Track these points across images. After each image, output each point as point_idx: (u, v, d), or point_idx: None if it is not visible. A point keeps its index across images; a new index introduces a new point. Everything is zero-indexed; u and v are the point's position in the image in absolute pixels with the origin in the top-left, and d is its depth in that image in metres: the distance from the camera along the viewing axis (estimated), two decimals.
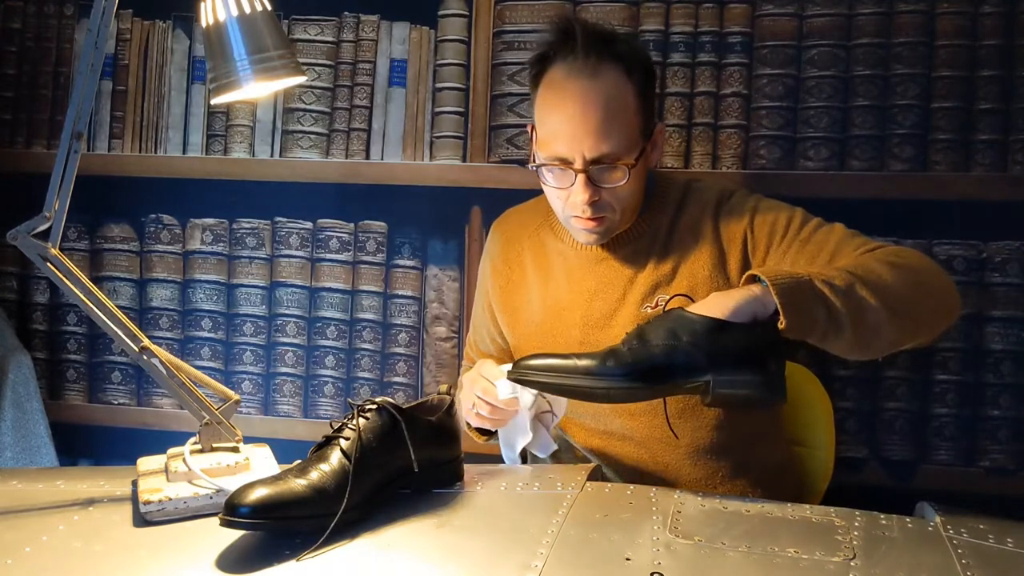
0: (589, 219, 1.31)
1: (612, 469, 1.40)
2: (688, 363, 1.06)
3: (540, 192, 1.43)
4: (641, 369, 1.06)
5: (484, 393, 1.28)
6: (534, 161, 1.33)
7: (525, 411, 1.27)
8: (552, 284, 1.43)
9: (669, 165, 1.83)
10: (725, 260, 1.34)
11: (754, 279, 1.12)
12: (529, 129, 1.37)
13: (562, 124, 1.27)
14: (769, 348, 1.08)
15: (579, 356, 1.09)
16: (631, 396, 1.09)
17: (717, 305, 1.09)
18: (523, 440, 1.30)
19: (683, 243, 1.36)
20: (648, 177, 1.40)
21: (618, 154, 1.27)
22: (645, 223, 1.38)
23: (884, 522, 1.03)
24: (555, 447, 1.35)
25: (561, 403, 1.31)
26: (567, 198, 1.31)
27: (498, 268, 1.50)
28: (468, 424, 1.39)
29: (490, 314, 1.53)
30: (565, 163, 1.28)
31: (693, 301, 1.12)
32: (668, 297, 1.34)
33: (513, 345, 1.50)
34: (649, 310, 1.35)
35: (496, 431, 1.38)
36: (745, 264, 1.34)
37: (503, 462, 1.37)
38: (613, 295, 1.38)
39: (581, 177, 1.27)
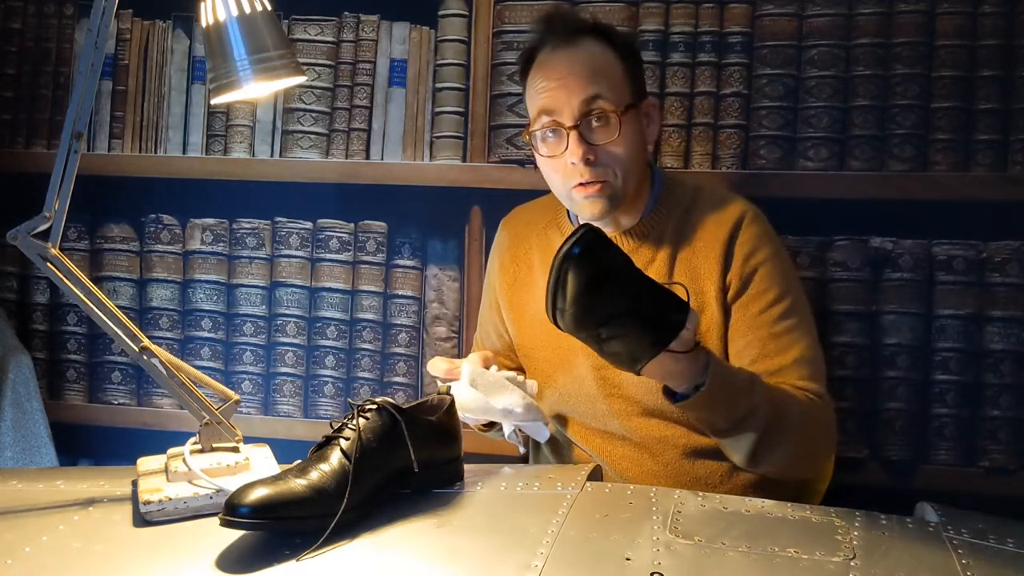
0: (589, 183, 1.31)
1: (613, 468, 1.40)
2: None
3: (542, 192, 1.43)
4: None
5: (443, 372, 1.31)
6: (528, 137, 1.36)
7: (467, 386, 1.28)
8: None
9: (669, 165, 1.83)
10: (727, 284, 1.35)
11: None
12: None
13: (549, 84, 1.32)
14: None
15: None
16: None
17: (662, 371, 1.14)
18: (508, 405, 1.29)
19: (692, 254, 1.36)
20: (656, 177, 1.41)
21: (606, 100, 1.30)
22: (650, 223, 1.39)
23: (884, 522, 1.03)
24: (547, 433, 1.35)
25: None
26: (564, 168, 1.32)
27: (506, 265, 1.51)
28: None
29: (496, 311, 1.53)
30: (556, 124, 1.30)
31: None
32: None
33: (518, 343, 1.50)
34: None
35: (496, 425, 1.38)
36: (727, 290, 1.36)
37: (502, 462, 1.36)
38: None
39: (573, 134, 1.29)
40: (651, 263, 1.37)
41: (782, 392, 1.26)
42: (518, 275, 1.49)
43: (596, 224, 1.33)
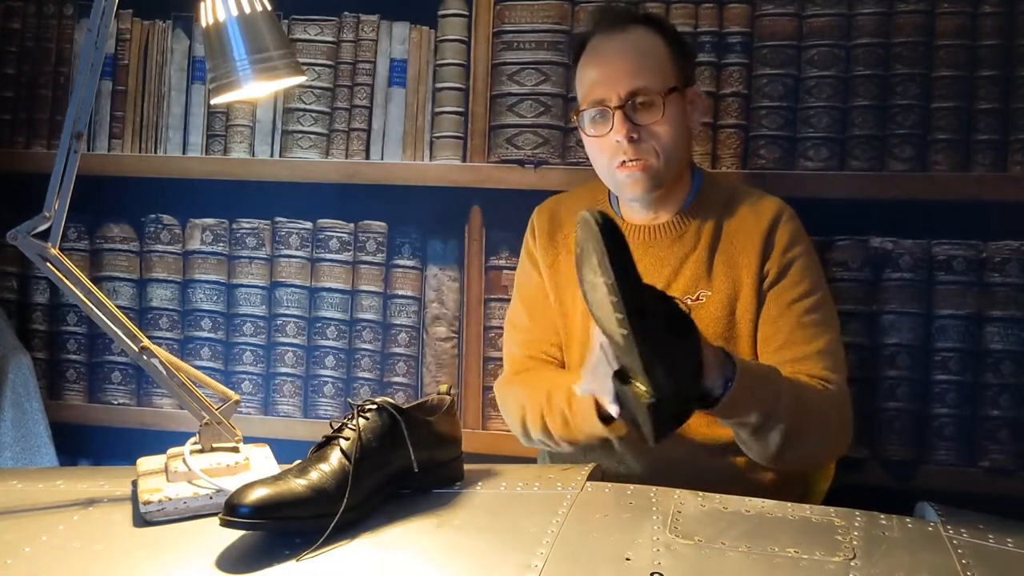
0: (632, 162, 1.35)
1: (627, 464, 1.40)
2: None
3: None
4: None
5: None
6: (576, 118, 1.41)
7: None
8: None
9: None
10: (765, 272, 1.39)
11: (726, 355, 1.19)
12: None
13: (598, 70, 1.38)
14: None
15: None
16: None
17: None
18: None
19: (731, 246, 1.41)
20: (696, 175, 1.46)
21: (651, 86, 1.35)
22: (690, 216, 1.43)
23: (884, 522, 1.03)
24: None
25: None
26: (609, 146, 1.36)
27: (545, 246, 1.50)
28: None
29: (548, 299, 1.50)
30: (603, 105, 1.35)
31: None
32: (709, 293, 1.40)
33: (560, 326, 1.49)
34: (690, 301, 1.39)
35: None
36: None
37: (502, 462, 1.36)
38: (656, 285, 1.38)
39: (618, 114, 1.34)
40: (691, 253, 1.41)
41: (801, 383, 1.29)
42: (558, 257, 1.49)
43: (636, 204, 1.41)
